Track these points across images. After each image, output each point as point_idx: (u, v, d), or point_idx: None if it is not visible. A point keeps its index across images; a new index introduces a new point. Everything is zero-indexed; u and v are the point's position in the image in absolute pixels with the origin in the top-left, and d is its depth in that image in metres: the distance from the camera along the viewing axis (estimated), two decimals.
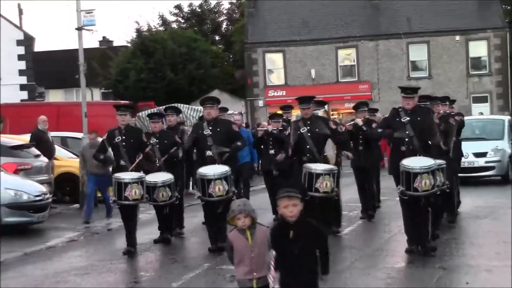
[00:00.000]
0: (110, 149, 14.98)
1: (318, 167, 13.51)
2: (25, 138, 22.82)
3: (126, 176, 14.00)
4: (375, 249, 14.20)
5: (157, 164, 14.84)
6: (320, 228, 7.26)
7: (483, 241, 14.66)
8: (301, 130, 13.70)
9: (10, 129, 32.26)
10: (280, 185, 16.64)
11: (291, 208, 7.02)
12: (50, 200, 18.00)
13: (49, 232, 16.93)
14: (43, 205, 17.38)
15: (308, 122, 13.82)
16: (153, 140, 15.00)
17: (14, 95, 47.29)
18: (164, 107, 20.18)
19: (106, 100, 53.05)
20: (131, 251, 13.94)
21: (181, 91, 51.23)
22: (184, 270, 12.54)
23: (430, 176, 12.36)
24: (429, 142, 12.79)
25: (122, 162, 14.27)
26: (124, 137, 14.31)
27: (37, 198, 17.25)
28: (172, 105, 20.72)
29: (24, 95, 50.30)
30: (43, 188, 17.88)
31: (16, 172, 19.55)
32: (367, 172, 17.76)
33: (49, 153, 21.52)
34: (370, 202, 17.72)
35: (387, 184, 13.25)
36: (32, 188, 17.50)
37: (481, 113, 43.57)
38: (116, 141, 14.32)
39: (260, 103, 53.80)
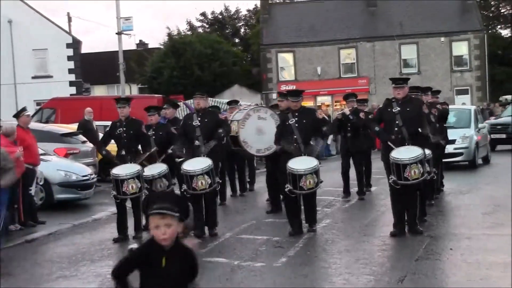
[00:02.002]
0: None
1: (300, 167, 12.28)
2: (74, 127, 22.88)
3: (122, 172, 12.90)
4: (372, 220, 14.18)
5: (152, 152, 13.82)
6: (196, 257, 4.97)
7: (465, 213, 14.62)
8: (289, 121, 12.84)
9: (60, 119, 32.35)
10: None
11: (164, 229, 4.77)
12: (95, 179, 18.04)
13: (94, 206, 16.98)
14: (89, 184, 17.43)
15: (296, 114, 12.80)
16: (150, 132, 14.03)
17: (64, 90, 47.51)
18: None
19: (142, 94, 53.11)
20: (120, 240, 12.85)
21: (207, 86, 51.22)
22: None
23: (418, 165, 11.79)
24: (419, 130, 12.14)
25: (123, 152, 13.31)
26: (124, 129, 13.30)
27: (84, 178, 17.29)
28: (171, 99, 20.17)
29: (73, 90, 50.46)
30: (89, 170, 17.93)
31: (66, 156, 19.62)
32: (355, 157, 17.27)
33: (94, 139, 21.54)
34: (360, 183, 17.42)
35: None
36: (79, 170, 17.54)
37: (464, 103, 43.40)
38: (118, 132, 13.33)
39: (274, 96, 53.72)
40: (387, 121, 12.41)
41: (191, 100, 27.41)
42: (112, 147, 13.99)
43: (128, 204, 13.28)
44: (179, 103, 26.20)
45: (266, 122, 14.59)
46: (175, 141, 13.86)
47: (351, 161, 17.43)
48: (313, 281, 9.49)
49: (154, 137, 14.01)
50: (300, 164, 12.38)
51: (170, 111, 16.17)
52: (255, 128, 14.44)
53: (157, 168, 13.54)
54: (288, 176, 12.35)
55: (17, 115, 15.03)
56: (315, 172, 12.36)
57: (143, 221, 13.25)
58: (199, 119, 13.06)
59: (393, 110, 12.14)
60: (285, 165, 12.42)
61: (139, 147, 13.51)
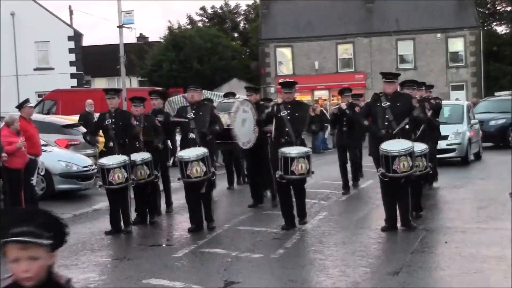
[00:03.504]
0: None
1: (292, 150, 12.07)
2: (75, 118, 22.86)
3: (109, 161, 12.55)
4: (368, 213, 14.19)
5: (137, 145, 13.34)
6: None
7: (459, 207, 14.63)
8: (281, 113, 12.51)
9: (62, 110, 32.37)
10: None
11: (26, 264, 3.19)
12: (95, 170, 17.98)
13: (94, 197, 16.96)
14: (89, 174, 17.41)
15: (289, 106, 12.44)
16: (135, 123, 13.32)
17: (66, 82, 47.51)
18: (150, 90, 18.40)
19: (142, 86, 53.10)
20: (111, 232, 12.61)
21: (206, 79, 51.21)
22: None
23: (407, 158, 11.55)
24: (407, 126, 11.87)
25: (111, 144, 12.92)
26: (113, 120, 12.85)
27: (85, 169, 17.29)
28: (157, 89, 19.70)
29: (74, 82, 50.44)
30: (90, 161, 17.90)
31: (67, 147, 19.60)
32: (350, 150, 17.28)
33: None
34: (355, 174, 17.43)
35: None
36: (80, 161, 17.54)
37: (458, 99, 43.27)
38: (106, 123, 12.95)
39: (272, 90, 53.75)
40: (376, 116, 12.09)
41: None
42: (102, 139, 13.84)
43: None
44: (177, 96, 26.14)
45: (247, 115, 14.52)
46: (160, 133, 13.73)
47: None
48: (310, 272, 9.50)
49: (138, 128, 13.49)
50: (292, 149, 12.19)
51: (158, 102, 15.46)
52: (241, 121, 14.36)
53: (140, 155, 13.25)
54: (280, 161, 12.08)
55: (20, 106, 15.02)
56: (307, 157, 12.15)
57: (132, 214, 13.23)
58: (193, 111, 12.79)
59: (383, 105, 11.88)
60: (276, 153, 12.21)
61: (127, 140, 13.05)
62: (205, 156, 12.25)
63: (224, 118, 14.07)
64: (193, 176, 12.23)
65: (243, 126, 14.36)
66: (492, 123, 29.11)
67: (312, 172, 12.35)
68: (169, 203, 14.97)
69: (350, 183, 17.43)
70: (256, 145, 14.54)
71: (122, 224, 12.78)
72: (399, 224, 11.98)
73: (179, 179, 12.63)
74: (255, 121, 14.46)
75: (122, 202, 12.81)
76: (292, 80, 13.26)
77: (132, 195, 13.40)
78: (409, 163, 11.59)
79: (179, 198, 15.31)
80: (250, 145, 14.63)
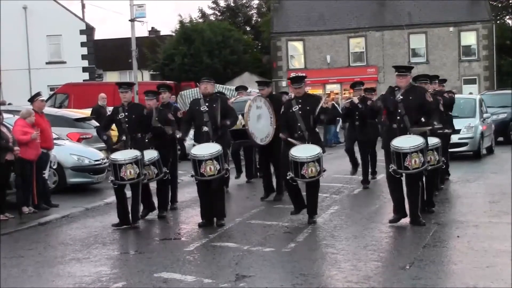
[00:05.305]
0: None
1: (302, 154, 11.94)
2: (87, 112, 22.91)
3: (121, 157, 12.42)
4: (380, 207, 14.15)
5: (146, 140, 13.01)
6: None
7: (472, 201, 14.58)
8: (293, 108, 12.33)
9: (74, 104, 32.46)
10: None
11: None
12: (107, 164, 17.99)
13: (106, 190, 16.96)
14: (101, 168, 17.42)
15: (300, 101, 12.35)
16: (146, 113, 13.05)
17: (78, 76, 47.66)
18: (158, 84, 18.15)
19: (154, 80, 53.14)
20: (118, 225, 12.57)
21: (217, 73, 51.16)
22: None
23: (419, 154, 11.47)
24: (422, 120, 11.79)
25: (123, 138, 12.79)
26: (126, 114, 12.72)
27: (97, 162, 17.31)
28: (164, 83, 19.51)
29: (86, 76, 50.57)
30: (101, 154, 17.91)
31: (79, 140, 19.63)
32: (362, 145, 17.17)
33: None
34: (366, 173, 17.22)
35: None
36: (92, 154, 17.56)
37: (471, 93, 43.06)
38: (119, 117, 12.80)
39: (284, 83, 53.69)
40: (389, 109, 12.00)
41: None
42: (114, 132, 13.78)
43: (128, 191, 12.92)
44: (190, 90, 26.14)
45: (262, 110, 14.49)
46: (172, 126, 13.53)
47: (356, 149, 17.40)
48: (321, 266, 9.50)
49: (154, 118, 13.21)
50: (302, 151, 12.06)
51: (166, 95, 15.20)
52: (256, 118, 14.32)
53: (147, 155, 13.04)
54: (290, 164, 12.03)
55: (31, 100, 15.06)
56: (317, 160, 12.02)
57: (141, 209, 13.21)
58: (206, 104, 12.61)
59: (396, 99, 11.79)
60: (288, 151, 12.14)
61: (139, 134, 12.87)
62: (219, 155, 12.14)
63: (239, 119, 13.99)
64: (206, 175, 12.14)
65: (258, 123, 14.34)
66: (493, 117, 28.73)
67: (324, 171, 12.28)
68: (174, 200, 14.77)
69: (360, 178, 17.38)
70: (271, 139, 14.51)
71: (130, 218, 12.70)
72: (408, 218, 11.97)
73: (192, 176, 12.53)
74: (271, 114, 14.40)
75: (132, 197, 12.69)
76: (301, 75, 13.18)
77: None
78: (421, 159, 11.53)
79: (191, 192, 15.31)
80: (269, 139, 14.62)
